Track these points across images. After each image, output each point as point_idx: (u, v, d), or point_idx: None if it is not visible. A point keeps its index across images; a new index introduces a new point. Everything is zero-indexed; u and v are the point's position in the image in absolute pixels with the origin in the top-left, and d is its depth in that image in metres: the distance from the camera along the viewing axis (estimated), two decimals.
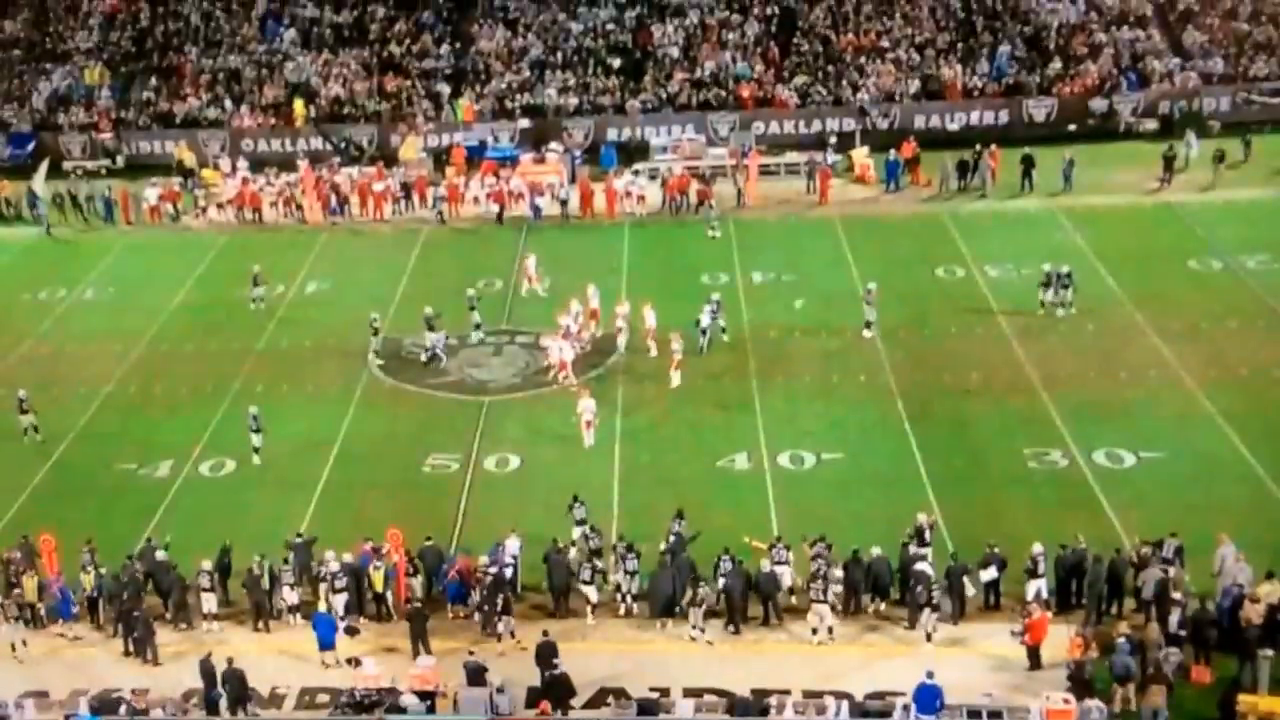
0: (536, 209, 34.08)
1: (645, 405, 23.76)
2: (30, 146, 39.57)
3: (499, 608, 17.26)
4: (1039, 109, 38.29)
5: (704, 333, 25.43)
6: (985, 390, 23.69)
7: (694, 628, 17.46)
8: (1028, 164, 33.51)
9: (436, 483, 21.50)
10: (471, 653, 16.62)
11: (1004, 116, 38.35)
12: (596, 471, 21.51)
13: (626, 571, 18.03)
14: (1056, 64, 39.00)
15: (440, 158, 37.70)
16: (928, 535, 18.25)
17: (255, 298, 28.88)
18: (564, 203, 33.89)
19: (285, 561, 18.42)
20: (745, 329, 26.66)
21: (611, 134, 39.50)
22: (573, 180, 35.83)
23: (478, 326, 26.49)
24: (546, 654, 16.21)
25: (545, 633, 16.62)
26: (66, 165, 38.74)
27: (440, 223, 33.20)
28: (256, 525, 20.24)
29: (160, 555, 18.56)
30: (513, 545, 18.47)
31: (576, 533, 18.73)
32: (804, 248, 31.27)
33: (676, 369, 24.07)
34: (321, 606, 17.80)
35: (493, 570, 17.85)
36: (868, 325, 25.86)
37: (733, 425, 22.92)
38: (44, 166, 37.00)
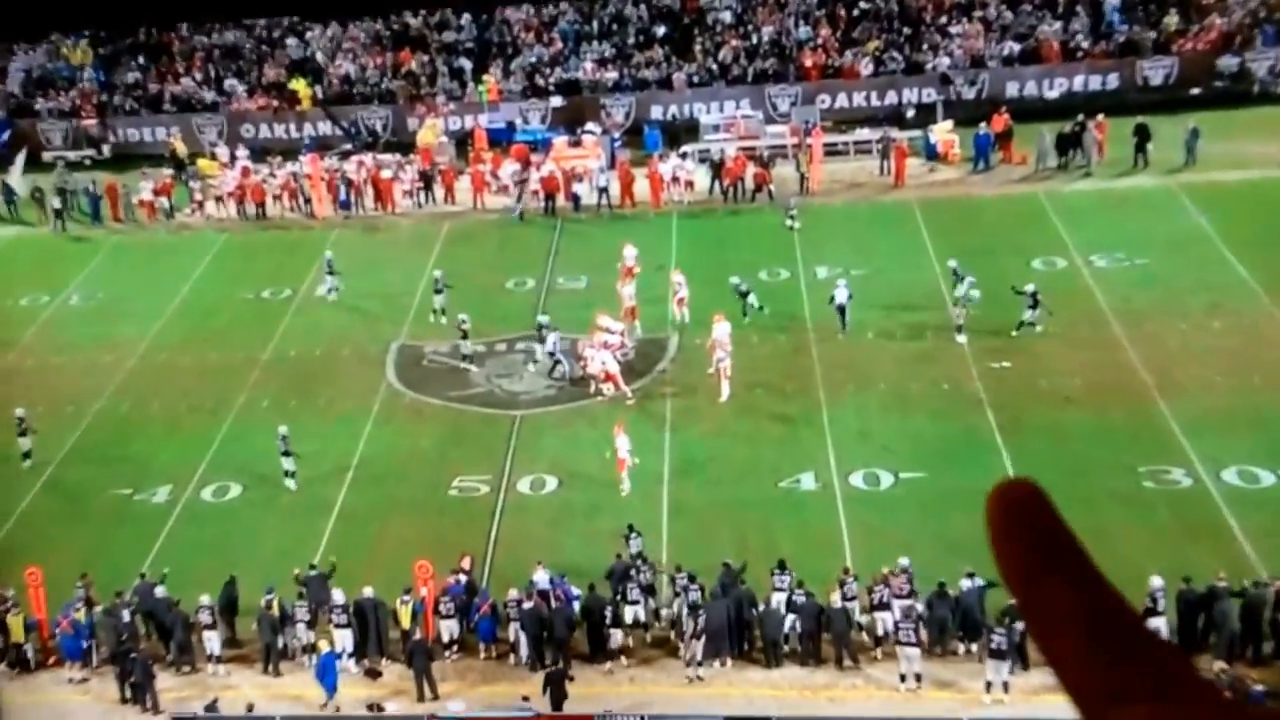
0: (575, 198, 34.62)
1: (697, 419, 24.11)
2: (5, 135, 40.66)
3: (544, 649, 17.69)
4: (1155, 70, 37.93)
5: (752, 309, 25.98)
6: (1090, 398, 23.71)
7: (689, 664, 17.67)
8: (1142, 135, 33.21)
9: (464, 507, 22.00)
10: (525, 698, 17.08)
11: (1113, 80, 38.11)
12: (643, 494, 21.89)
13: (689, 606, 18.29)
14: (1176, 17, 38.53)
15: (464, 142, 38.47)
16: None
17: (331, 289, 29.57)
18: (603, 191, 34.41)
19: (299, 596, 18.98)
20: (809, 330, 26.93)
21: (655, 112, 40.01)
22: (612, 165, 36.33)
23: (540, 333, 26.62)
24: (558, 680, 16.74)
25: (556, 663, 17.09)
26: (46, 156, 39.79)
27: (519, 218, 33.57)
28: (265, 556, 20.85)
29: (160, 591, 19.13)
30: (541, 579, 18.87)
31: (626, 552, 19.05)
32: (877, 238, 31.45)
33: (726, 379, 24.38)
34: (335, 645, 18.36)
35: (529, 604, 18.26)
36: (959, 329, 25.92)
37: (797, 441, 23.20)
38: (20, 158, 38.05)
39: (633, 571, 18.73)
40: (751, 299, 26.98)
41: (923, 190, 34.30)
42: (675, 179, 34.42)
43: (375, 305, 29.91)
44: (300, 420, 25.00)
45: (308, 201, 35.81)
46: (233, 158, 38.73)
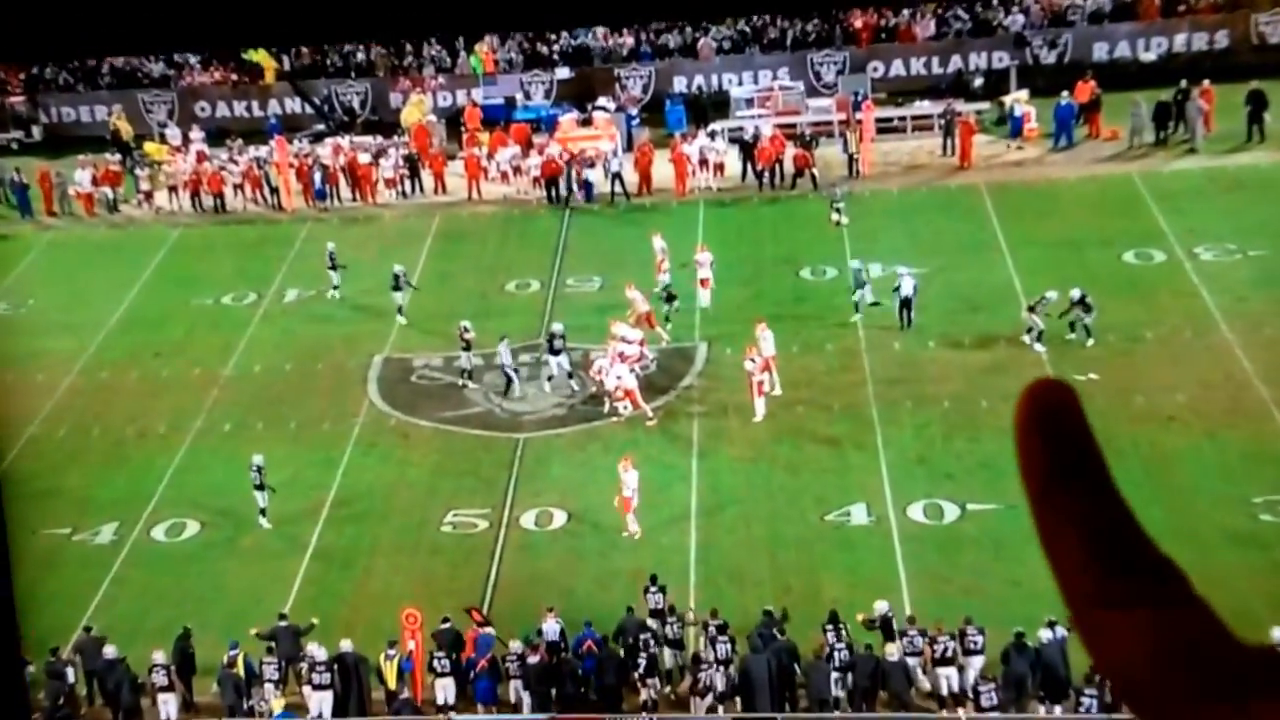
0: (588, 186, 34.96)
1: (729, 442, 24.35)
2: None
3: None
4: (1273, 27, 37.90)
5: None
6: (1195, 417, 23.83)
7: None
8: (1257, 104, 33.26)
9: (459, 546, 22.31)
10: None
11: (1222, 39, 38.18)
12: (667, 530, 22.15)
13: (718, 661, 18.53)
14: None
15: (456, 121, 38.92)
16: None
17: (334, 288, 29.90)
18: (617, 177, 34.74)
19: (269, 652, 19.30)
20: (860, 338, 27.14)
21: (679, 84, 40.38)
22: (628, 147, 36.66)
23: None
24: None
25: None
26: None
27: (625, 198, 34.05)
28: (228, 605, 21.19)
29: (109, 652, 19.38)
30: (550, 628, 19.12)
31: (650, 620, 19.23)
32: (939, 229, 31.67)
33: (761, 395, 24.65)
34: (309, 708, 18.64)
35: (533, 658, 18.53)
36: (1038, 335, 26.08)
37: (846, 467, 23.42)
38: None
39: (653, 628, 18.85)
40: (867, 293, 27.16)
41: (993, 172, 34.49)
42: (704, 162, 34.76)
43: (355, 312, 30.30)
44: (268, 447, 25.27)
45: (274, 191, 36.27)
46: (186, 141, 39.23)
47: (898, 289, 27.07)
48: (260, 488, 22.76)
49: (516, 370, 26.05)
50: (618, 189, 34.60)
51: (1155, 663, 1.09)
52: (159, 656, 19.21)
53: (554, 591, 20.35)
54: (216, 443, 25.70)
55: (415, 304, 30.29)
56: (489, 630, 19.14)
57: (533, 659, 18.68)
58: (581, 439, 24.94)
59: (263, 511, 22.88)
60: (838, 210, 30.86)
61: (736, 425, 24.70)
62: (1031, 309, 26.23)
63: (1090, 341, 25.67)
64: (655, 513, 22.48)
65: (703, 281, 28.84)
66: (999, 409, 24.49)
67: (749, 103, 38.09)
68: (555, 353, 26.06)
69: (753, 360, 24.63)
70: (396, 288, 29.17)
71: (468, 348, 26.40)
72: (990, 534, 21.35)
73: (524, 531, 22.45)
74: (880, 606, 18.93)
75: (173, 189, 36.75)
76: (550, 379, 26.13)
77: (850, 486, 22.85)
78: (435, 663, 18.86)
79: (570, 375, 26.05)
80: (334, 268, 30.48)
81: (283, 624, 19.61)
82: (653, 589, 19.37)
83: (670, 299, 27.72)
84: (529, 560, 21.79)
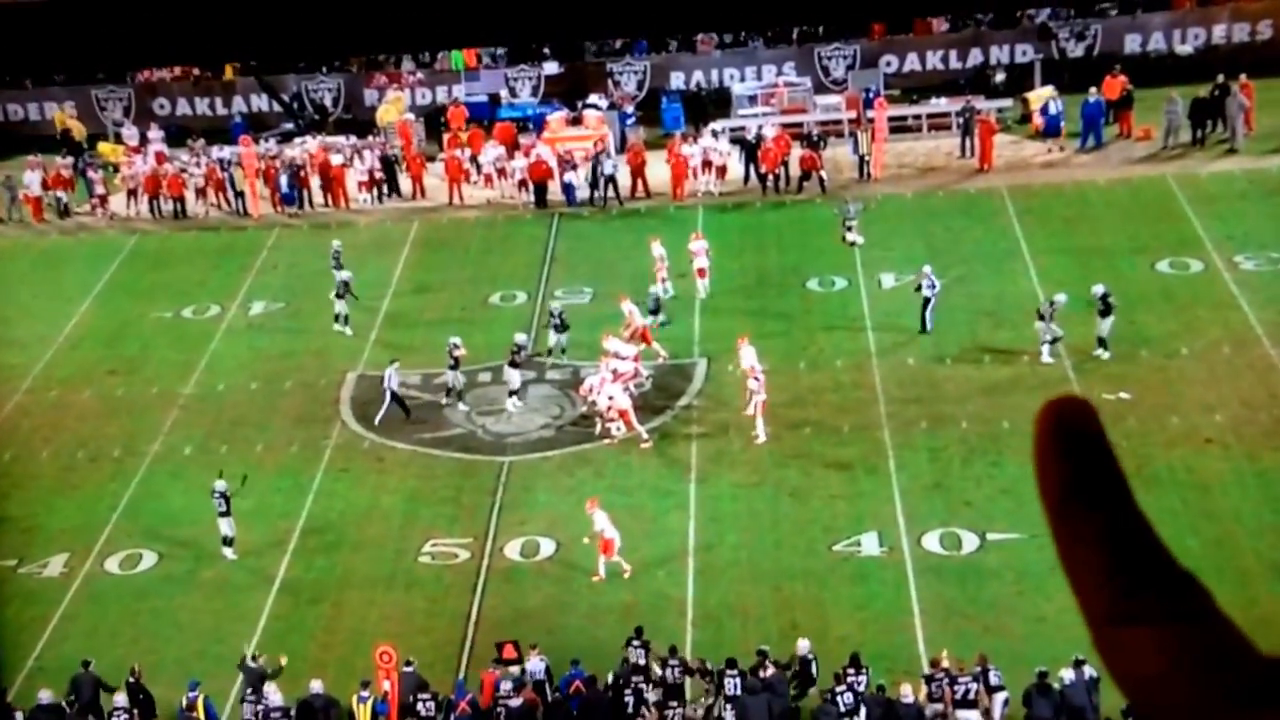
0: (570, 189, 35.15)
1: (730, 466, 24.44)
2: None
3: None
4: None
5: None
6: (1236, 439, 23.92)
7: None
8: None
9: (438, 578, 22.32)
10: None
11: (1265, 30, 38.37)
12: (663, 561, 22.21)
13: (725, 698, 18.57)
14: None
15: (436, 120, 39.10)
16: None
17: (342, 288, 29.93)
18: (610, 180, 34.89)
19: (250, 691, 19.24)
20: (871, 354, 27.27)
21: (676, 80, 40.60)
22: (621, 148, 36.85)
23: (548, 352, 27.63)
24: None
25: None
26: None
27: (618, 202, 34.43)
28: (187, 643, 21.22)
29: (43, 696, 19.28)
30: (535, 667, 19.15)
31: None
32: (957, 235, 31.85)
33: (762, 414, 24.73)
34: None
35: (516, 701, 18.58)
36: (1054, 340, 26.17)
37: (856, 493, 23.51)
38: None
39: (647, 674, 18.85)
40: (931, 293, 27.44)
41: (1016, 174, 34.69)
42: (706, 163, 34.88)
43: (325, 326, 30.33)
44: (232, 472, 25.33)
45: (239, 195, 36.40)
46: (143, 140, 39.42)
47: (918, 288, 27.33)
48: (225, 514, 22.74)
49: (401, 400, 26.10)
50: (610, 193, 34.79)
51: (1175, 679, 1.14)
52: (120, 700, 19.20)
53: (540, 628, 20.40)
54: (176, 467, 25.74)
55: (391, 317, 30.42)
56: (515, 670, 19.00)
57: (516, 701, 18.72)
58: (570, 463, 25.00)
59: (227, 541, 22.86)
60: (849, 228, 30.72)
61: (738, 447, 24.79)
62: (1041, 316, 26.32)
63: (1104, 353, 25.59)
64: (650, 543, 22.56)
65: (700, 271, 29.22)
66: (1022, 430, 24.57)
67: (752, 100, 38.30)
68: (515, 365, 26.16)
69: (756, 379, 24.75)
70: (339, 295, 29.38)
71: (455, 365, 26.46)
72: (1012, 566, 21.44)
73: (508, 562, 22.49)
74: (801, 646, 18.94)
75: (129, 193, 36.89)
76: (513, 394, 26.20)
77: (861, 514, 22.93)
78: (420, 705, 18.88)
79: (514, 393, 26.15)
80: (339, 267, 30.61)
81: (253, 665, 19.53)
82: (635, 643, 19.14)
83: (655, 311, 27.77)
84: (514, 593, 21.83)
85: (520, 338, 26.90)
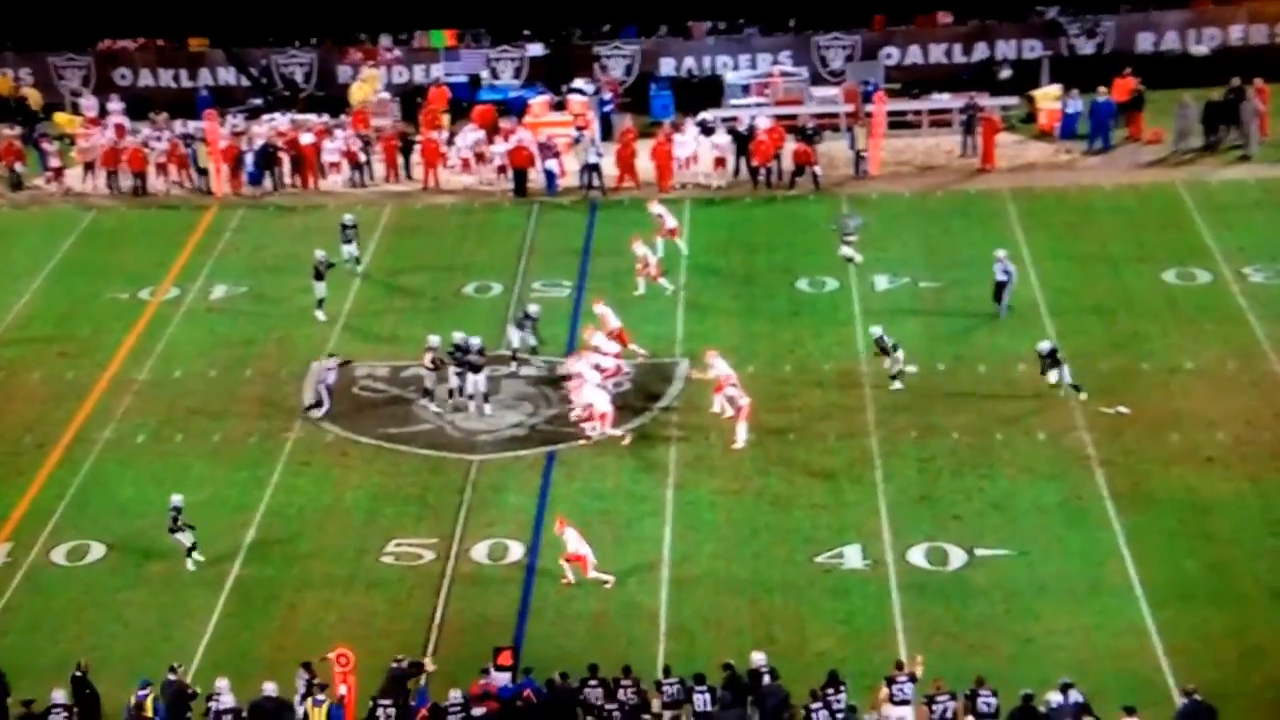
0: (551, 177, 35.29)
1: (709, 472, 24.55)
2: None
3: None
4: None
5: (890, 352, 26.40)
6: (1238, 458, 24.09)
7: None
8: None
9: (401, 580, 22.31)
10: None
11: None
12: (635, 567, 22.30)
13: (695, 714, 18.67)
14: None
15: (412, 100, 39.16)
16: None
17: (351, 260, 30.45)
18: (593, 169, 35.02)
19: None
20: (862, 360, 27.44)
21: (666, 66, 40.75)
22: (607, 135, 37.00)
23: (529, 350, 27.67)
24: None
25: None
26: None
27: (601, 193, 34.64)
28: (134, 639, 21.19)
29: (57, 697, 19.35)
30: (499, 676, 19.25)
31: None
32: (955, 237, 32.02)
33: (744, 419, 24.88)
34: None
35: (479, 710, 18.70)
36: (898, 374, 26.20)
37: (840, 503, 23.63)
38: None
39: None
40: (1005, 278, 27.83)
41: (1019, 176, 34.89)
42: (695, 156, 34.95)
43: (290, 312, 30.44)
44: (186, 462, 25.52)
45: (203, 173, 36.44)
46: (103, 112, 39.41)
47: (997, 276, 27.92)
48: (176, 530, 22.65)
49: (331, 391, 26.27)
50: (594, 181, 34.94)
51: None
52: (59, 696, 19.23)
53: (506, 634, 20.47)
54: (128, 456, 25.79)
55: (360, 304, 30.49)
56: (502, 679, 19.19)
57: (479, 711, 18.84)
58: (542, 463, 25.12)
59: (190, 551, 22.65)
60: (848, 243, 30.67)
61: (718, 453, 24.93)
62: (883, 349, 26.12)
63: (1083, 396, 25.64)
64: (623, 549, 22.68)
65: (671, 231, 29.84)
66: (1016, 442, 24.87)
67: (745, 90, 38.45)
68: (475, 369, 26.21)
69: (734, 386, 24.89)
70: (318, 276, 29.44)
71: (435, 368, 26.48)
72: (1001, 584, 21.61)
73: (475, 565, 22.55)
74: (756, 659, 19.02)
75: (86, 166, 36.87)
76: (470, 397, 26.29)
77: (844, 525, 23.06)
78: (380, 712, 18.97)
79: (486, 398, 26.30)
80: (349, 241, 30.78)
81: (170, 678, 19.27)
82: (592, 683, 18.98)
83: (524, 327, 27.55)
84: (479, 598, 21.87)
85: (474, 340, 26.54)
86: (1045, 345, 25.73)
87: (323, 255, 29.73)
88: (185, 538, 22.71)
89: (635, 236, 30.21)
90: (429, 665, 19.75)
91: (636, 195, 34.45)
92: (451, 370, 26.41)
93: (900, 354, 26.19)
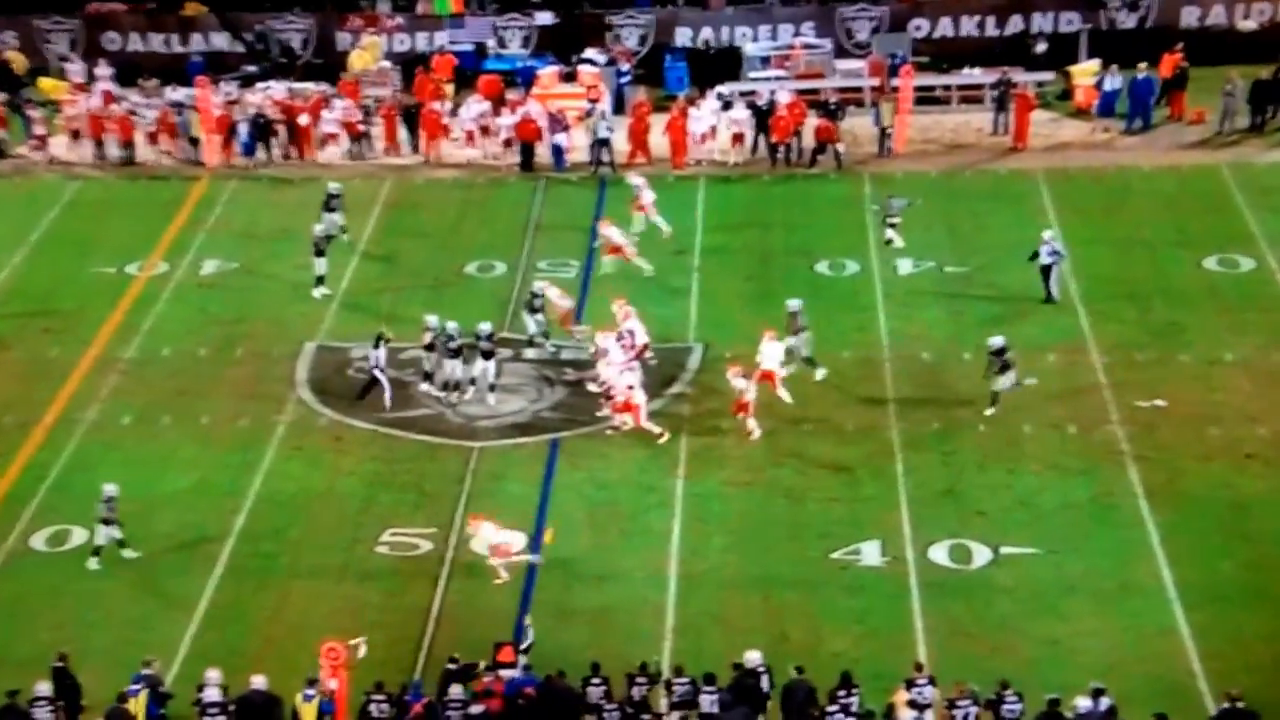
0: (559, 151, 35.31)
1: (720, 463, 24.63)
2: None
3: None
4: None
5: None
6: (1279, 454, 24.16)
7: None
8: None
9: (396, 571, 22.41)
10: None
11: None
12: (642, 562, 22.42)
13: (701, 715, 18.71)
14: None
15: (415, 69, 39.14)
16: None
17: (329, 231, 30.15)
18: (603, 143, 35.03)
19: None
20: (884, 348, 27.53)
21: (681, 36, 40.75)
22: (619, 109, 37.01)
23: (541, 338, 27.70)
24: None
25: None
26: None
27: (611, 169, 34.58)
28: (117, 629, 21.28)
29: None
30: (504, 672, 19.35)
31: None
32: (983, 220, 32.11)
33: (751, 414, 24.80)
34: None
35: (477, 708, 18.77)
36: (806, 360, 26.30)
37: (858, 497, 23.70)
38: None
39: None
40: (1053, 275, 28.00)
41: (1053, 156, 34.90)
42: (712, 131, 34.98)
43: (284, 290, 30.57)
44: (173, 445, 25.66)
45: (194, 142, 36.55)
46: (90, 77, 39.47)
47: (1035, 256, 27.91)
48: (107, 522, 22.51)
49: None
50: (604, 157, 34.97)
51: None
52: (43, 688, 19.30)
53: (505, 628, 20.52)
54: (113, 438, 25.92)
55: (356, 283, 30.57)
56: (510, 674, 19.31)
57: (476, 709, 18.94)
58: (545, 451, 25.21)
59: (120, 543, 22.55)
60: (892, 225, 30.64)
61: (731, 443, 25.01)
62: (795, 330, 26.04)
63: (1030, 381, 25.47)
64: (629, 543, 22.80)
65: (643, 207, 30.12)
66: (1044, 436, 24.91)
67: (765, 62, 38.49)
68: (486, 356, 26.23)
69: (744, 378, 24.84)
70: (318, 252, 29.52)
71: (430, 348, 26.58)
72: (1026, 583, 21.67)
73: (475, 556, 22.52)
74: (751, 658, 18.99)
75: (73, 134, 36.99)
76: (474, 383, 26.30)
77: (862, 520, 23.12)
78: (373, 706, 19.09)
79: (493, 387, 26.30)
80: (330, 209, 30.83)
81: (145, 673, 19.22)
82: (595, 680, 19.07)
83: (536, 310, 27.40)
84: (478, 590, 21.93)
85: (484, 326, 26.43)
86: (996, 341, 25.23)
87: (322, 229, 29.83)
88: (114, 531, 22.57)
89: (604, 221, 30.23)
90: (362, 650, 19.68)
91: (649, 172, 34.45)
92: (445, 360, 26.30)
93: (806, 336, 26.11)
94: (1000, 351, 25.08)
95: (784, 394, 25.40)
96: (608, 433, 25.31)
